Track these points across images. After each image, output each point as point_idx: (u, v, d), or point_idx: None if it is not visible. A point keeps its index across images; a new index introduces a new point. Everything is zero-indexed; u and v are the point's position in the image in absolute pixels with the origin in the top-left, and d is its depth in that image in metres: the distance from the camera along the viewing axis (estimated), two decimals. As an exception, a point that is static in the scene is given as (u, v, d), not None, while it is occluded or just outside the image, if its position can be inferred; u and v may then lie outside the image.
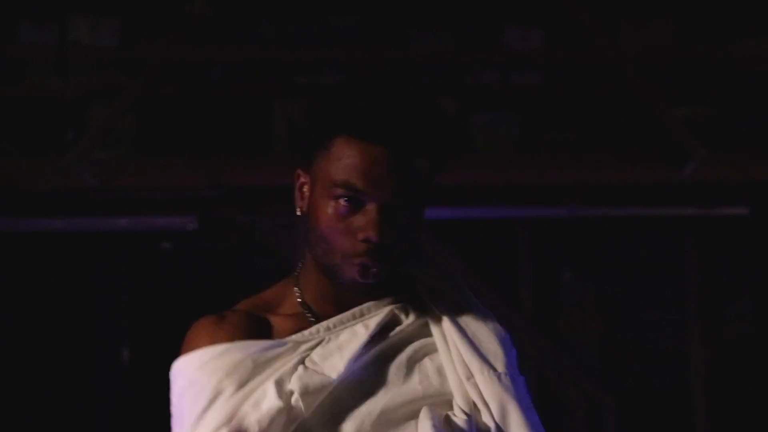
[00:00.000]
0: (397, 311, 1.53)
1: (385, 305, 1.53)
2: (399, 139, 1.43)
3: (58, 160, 4.69)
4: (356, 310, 1.51)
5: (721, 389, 5.40)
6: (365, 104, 1.48)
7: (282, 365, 1.44)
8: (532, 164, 5.06)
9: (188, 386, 1.45)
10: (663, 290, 5.56)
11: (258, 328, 1.50)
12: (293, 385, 1.41)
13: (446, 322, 1.52)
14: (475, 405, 1.46)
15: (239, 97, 5.26)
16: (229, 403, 1.41)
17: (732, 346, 5.56)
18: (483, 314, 1.56)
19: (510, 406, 1.46)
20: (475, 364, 1.48)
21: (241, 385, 1.42)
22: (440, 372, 1.49)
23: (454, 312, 1.54)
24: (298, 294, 1.55)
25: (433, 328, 1.53)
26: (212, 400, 1.42)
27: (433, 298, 1.56)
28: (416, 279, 1.57)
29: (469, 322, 1.53)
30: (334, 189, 1.43)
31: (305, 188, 1.51)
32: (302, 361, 1.44)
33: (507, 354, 1.53)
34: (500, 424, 1.44)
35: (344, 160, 1.43)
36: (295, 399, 1.41)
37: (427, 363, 1.50)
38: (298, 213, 1.52)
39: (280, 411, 1.40)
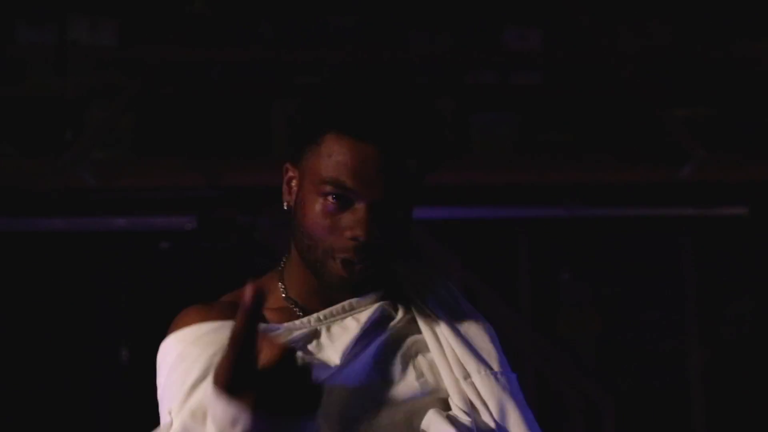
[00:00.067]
0: (386, 307, 1.52)
1: (372, 301, 1.52)
2: (390, 138, 1.42)
3: (57, 160, 4.68)
4: (345, 303, 1.50)
5: (720, 389, 5.40)
6: (358, 101, 1.47)
7: None
8: (531, 164, 5.06)
9: (179, 360, 1.43)
10: (662, 290, 5.56)
11: None
12: None
13: (436, 319, 1.52)
14: (472, 404, 1.45)
15: (238, 97, 5.26)
16: None
17: (731, 346, 5.56)
18: (471, 312, 1.56)
19: (508, 404, 1.46)
20: (471, 364, 1.48)
21: None
22: (433, 369, 1.49)
23: (444, 309, 1.53)
24: (282, 289, 1.54)
25: (422, 325, 1.52)
26: (205, 372, 1.38)
27: (419, 294, 1.55)
28: (401, 275, 1.56)
29: (459, 320, 1.53)
30: (322, 186, 1.43)
31: (293, 183, 1.51)
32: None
33: (499, 352, 1.53)
34: (500, 423, 1.44)
35: (334, 157, 1.42)
36: None
37: (420, 360, 1.49)
38: (285, 207, 1.52)
39: None
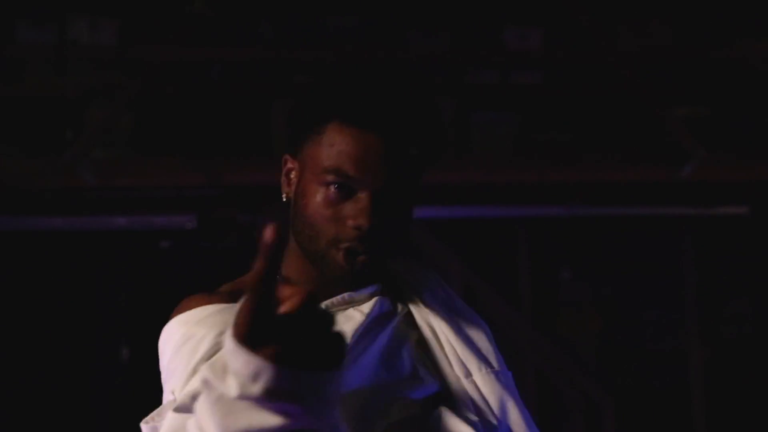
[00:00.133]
0: (385, 302, 1.51)
1: (369, 295, 1.51)
2: (392, 127, 1.42)
3: (57, 160, 4.69)
4: (345, 295, 1.48)
5: (720, 388, 5.40)
6: (359, 91, 1.47)
7: None
8: (531, 164, 5.06)
9: (184, 341, 1.40)
10: (662, 289, 5.56)
11: None
12: None
13: (435, 317, 1.51)
14: (473, 402, 1.45)
15: (238, 96, 5.26)
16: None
17: (731, 345, 5.56)
18: (467, 310, 1.56)
19: (509, 402, 1.46)
20: (472, 362, 1.48)
21: None
22: (435, 367, 1.48)
23: (441, 307, 1.53)
24: (280, 278, 1.52)
25: (420, 322, 1.52)
26: (210, 350, 1.36)
27: (416, 291, 1.54)
28: (395, 271, 1.56)
29: (457, 318, 1.53)
30: (324, 175, 1.42)
31: (292, 174, 1.50)
32: None
33: (496, 350, 1.53)
34: (501, 421, 1.44)
35: (336, 147, 1.42)
36: None
37: (423, 357, 1.49)
38: (284, 199, 1.51)
39: None
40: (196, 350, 1.38)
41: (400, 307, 1.53)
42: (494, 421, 1.44)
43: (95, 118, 4.89)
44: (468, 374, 1.47)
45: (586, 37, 5.21)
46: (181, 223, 4.93)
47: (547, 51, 5.39)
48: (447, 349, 1.49)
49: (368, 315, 1.47)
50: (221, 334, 1.36)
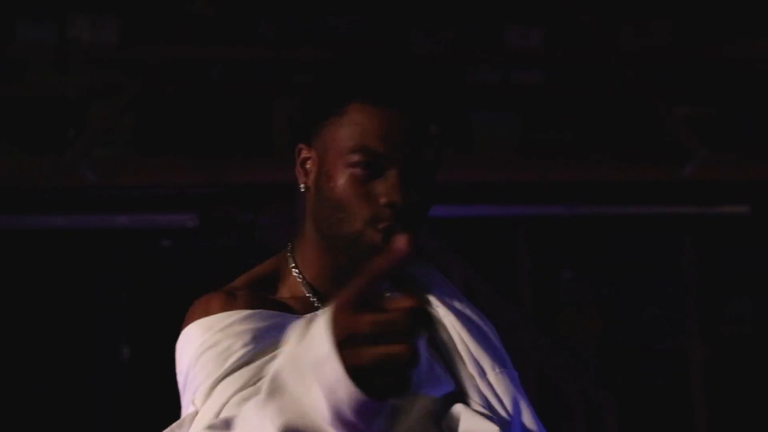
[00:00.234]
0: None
1: (385, 290, 1.50)
2: (413, 103, 1.42)
3: (59, 158, 4.69)
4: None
5: (721, 388, 5.40)
6: (379, 70, 1.47)
7: None
8: (532, 163, 5.06)
9: (207, 348, 1.37)
10: (662, 289, 5.57)
11: (268, 306, 1.45)
12: None
13: (447, 315, 1.51)
14: (487, 401, 1.45)
15: (240, 95, 5.27)
16: (258, 365, 1.34)
17: (731, 344, 5.56)
18: (474, 309, 1.56)
19: (522, 402, 1.46)
20: (486, 361, 1.48)
21: (269, 351, 1.36)
22: (449, 365, 1.48)
23: (450, 306, 1.52)
24: (297, 273, 1.50)
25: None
26: (237, 364, 1.34)
27: (424, 288, 1.53)
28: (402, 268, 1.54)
29: (467, 317, 1.52)
30: (350, 156, 1.41)
31: (308, 163, 1.48)
32: None
33: (504, 349, 1.53)
34: (515, 419, 1.44)
35: (360, 126, 1.40)
36: None
37: (436, 354, 1.48)
38: (302, 189, 1.48)
39: None
40: (221, 361, 1.35)
41: None
42: (508, 420, 1.44)
43: (96, 117, 4.89)
44: (482, 373, 1.47)
45: (587, 36, 5.20)
46: (181, 222, 4.94)
47: (548, 50, 5.39)
48: (461, 348, 1.48)
49: None
50: (248, 344, 1.36)
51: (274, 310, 1.44)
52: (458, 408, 1.41)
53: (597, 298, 5.56)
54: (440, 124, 1.45)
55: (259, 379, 1.33)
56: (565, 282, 5.58)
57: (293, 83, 5.25)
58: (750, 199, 5.24)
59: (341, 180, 1.42)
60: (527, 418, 1.46)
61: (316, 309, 1.46)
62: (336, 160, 1.42)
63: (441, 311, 1.51)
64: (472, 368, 1.47)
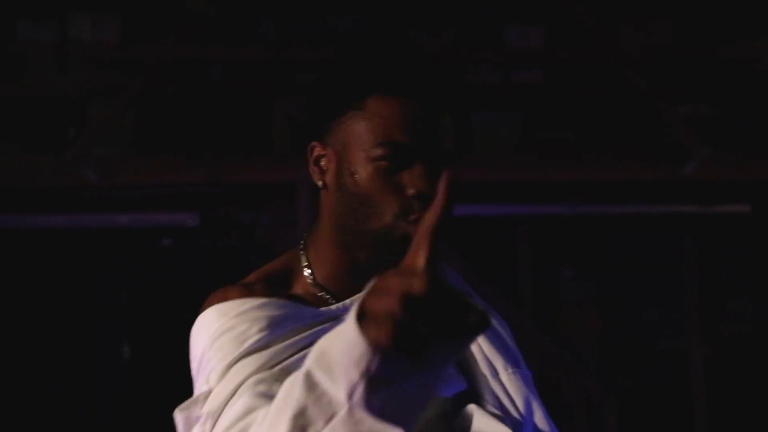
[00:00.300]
0: None
1: None
2: (431, 93, 1.41)
3: (60, 158, 4.69)
4: None
5: (721, 387, 5.40)
6: (395, 61, 1.45)
7: (324, 331, 1.31)
8: (532, 162, 5.06)
9: (223, 332, 1.37)
10: (663, 288, 5.56)
11: (283, 298, 1.43)
12: None
13: None
14: (499, 401, 1.44)
15: (240, 95, 5.27)
16: (273, 351, 1.34)
17: (732, 344, 5.56)
18: (487, 308, 1.55)
19: (534, 402, 1.46)
20: (498, 362, 1.47)
21: (285, 338, 1.35)
22: (461, 364, 1.47)
23: None
24: (309, 274, 1.48)
25: None
26: (254, 347, 1.34)
27: None
28: None
29: None
30: (374, 149, 1.39)
31: (323, 160, 1.46)
32: None
33: (517, 349, 1.52)
34: (527, 420, 1.43)
35: (382, 118, 1.39)
36: None
37: None
38: (320, 186, 1.46)
39: None
40: (237, 344, 1.34)
41: None
42: (520, 420, 1.43)
43: (97, 117, 4.89)
44: (495, 373, 1.46)
45: (587, 35, 5.20)
46: (182, 221, 4.94)
47: (549, 50, 5.39)
48: (474, 347, 1.48)
49: None
50: (264, 329, 1.35)
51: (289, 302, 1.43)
52: (470, 408, 1.40)
53: (597, 298, 5.56)
54: (457, 113, 1.44)
55: (276, 364, 1.33)
56: (565, 282, 5.58)
57: (294, 83, 5.25)
58: (750, 199, 5.23)
59: (366, 174, 1.40)
60: (539, 419, 1.45)
61: (330, 305, 1.45)
62: (358, 154, 1.41)
63: None
64: (484, 368, 1.46)
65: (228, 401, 1.31)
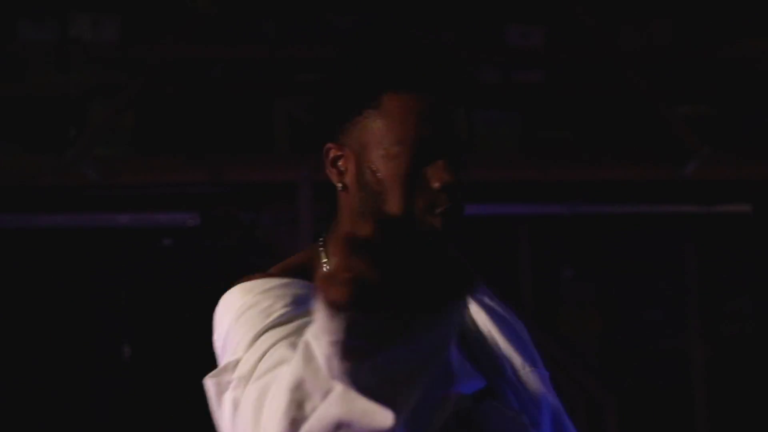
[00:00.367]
0: None
1: None
2: (443, 86, 1.42)
3: (60, 157, 4.69)
4: None
5: (722, 387, 5.40)
6: (406, 56, 1.44)
7: None
8: (532, 162, 5.06)
9: (247, 308, 1.36)
10: (663, 288, 5.56)
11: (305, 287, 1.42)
12: None
13: (477, 312, 1.49)
14: (517, 399, 1.43)
15: (241, 94, 5.27)
16: (298, 324, 1.32)
17: (732, 344, 5.56)
18: (502, 306, 1.54)
19: (552, 401, 1.45)
20: (516, 359, 1.47)
21: (309, 314, 1.30)
22: (479, 362, 1.45)
23: (482, 303, 1.50)
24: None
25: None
26: (280, 318, 1.33)
27: None
28: None
29: (500, 314, 1.51)
30: (393, 146, 1.39)
31: (341, 161, 1.45)
32: None
33: (533, 347, 1.51)
34: (544, 419, 1.43)
35: (400, 115, 1.39)
36: None
37: (466, 351, 1.44)
38: (340, 188, 1.45)
39: None
40: (263, 318, 1.33)
41: None
42: (537, 419, 1.42)
43: (98, 116, 4.89)
44: (513, 371, 1.45)
45: (588, 35, 5.20)
46: (183, 221, 4.94)
47: (549, 50, 5.39)
48: (491, 344, 1.47)
49: None
50: (288, 305, 1.34)
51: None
52: (489, 405, 1.39)
53: (597, 298, 5.56)
54: (467, 105, 1.45)
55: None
56: (565, 281, 5.58)
57: (294, 82, 5.25)
58: (750, 199, 5.23)
59: (388, 172, 1.40)
60: (557, 419, 1.45)
61: None
62: (378, 152, 1.40)
63: (472, 308, 1.49)
64: (502, 365, 1.45)
65: (258, 364, 1.29)
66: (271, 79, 5.30)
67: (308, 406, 1.05)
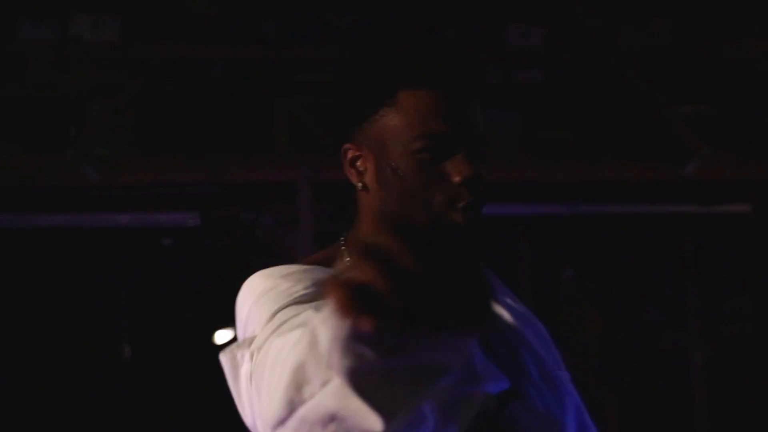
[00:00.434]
0: None
1: None
2: (457, 81, 1.42)
3: (60, 157, 4.69)
4: None
5: (722, 387, 5.40)
6: (418, 52, 1.44)
7: None
8: (533, 162, 5.06)
9: (267, 290, 1.35)
10: (663, 288, 5.56)
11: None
12: None
13: (505, 313, 1.50)
14: (541, 400, 1.43)
15: (241, 94, 5.27)
16: (318, 304, 1.27)
17: (732, 343, 5.56)
18: (522, 307, 1.54)
19: (574, 403, 1.46)
20: (541, 361, 1.47)
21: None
22: (503, 363, 1.45)
23: (506, 304, 1.51)
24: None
25: None
26: (300, 298, 1.31)
27: None
28: None
29: (524, 314, 1.52)
30: (413, 143, 1.39)
31: (359, 161, 1.45)
32: None
33: (555, 349, 1.51)
34: (570, 419, 1.43)
35: (418, 111, 1.39)
36: None
37: (490, 352, 1.44)
38: (360, 188, 1.45)
39: None
40: (283, 297, 1.32)
41: None
42: (562, 419, 1.42)
43: (98, 116, 4.89)
44: (537, 372, 1.45)
45: (588, 35, 5.20)
46: (183, 221, 4.94)
47: (549, 50, 5.39)
48: (515, 346, 1.47)
49: None
50: (309, 287, 1.33)
51: None
52: (515, 406, 1.39)
53: (598, 297, 5.56)
54: (480, 99, 1.45)
55: None
56: (565, 281, 5.58)
57: (294, 82, 5.25)
58: (750, 199, 5.23)
59: (409, 169, 1.40)
60: (580, 419, 1.45)
61: None
62: (397, 150, 1.40)
63: (497, 308, 1.50)
64: (526, 367, 1.45)
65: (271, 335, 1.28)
66: (271, 79, 5.30)
67: (306, 391, 1.05)
